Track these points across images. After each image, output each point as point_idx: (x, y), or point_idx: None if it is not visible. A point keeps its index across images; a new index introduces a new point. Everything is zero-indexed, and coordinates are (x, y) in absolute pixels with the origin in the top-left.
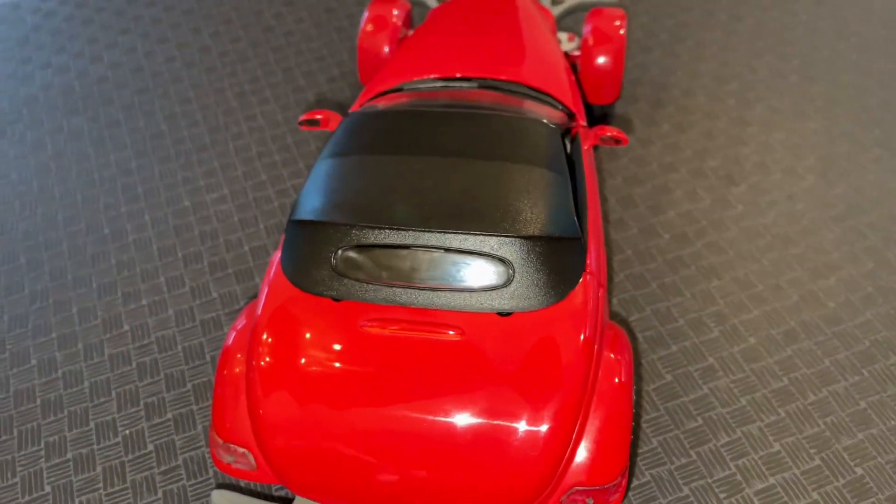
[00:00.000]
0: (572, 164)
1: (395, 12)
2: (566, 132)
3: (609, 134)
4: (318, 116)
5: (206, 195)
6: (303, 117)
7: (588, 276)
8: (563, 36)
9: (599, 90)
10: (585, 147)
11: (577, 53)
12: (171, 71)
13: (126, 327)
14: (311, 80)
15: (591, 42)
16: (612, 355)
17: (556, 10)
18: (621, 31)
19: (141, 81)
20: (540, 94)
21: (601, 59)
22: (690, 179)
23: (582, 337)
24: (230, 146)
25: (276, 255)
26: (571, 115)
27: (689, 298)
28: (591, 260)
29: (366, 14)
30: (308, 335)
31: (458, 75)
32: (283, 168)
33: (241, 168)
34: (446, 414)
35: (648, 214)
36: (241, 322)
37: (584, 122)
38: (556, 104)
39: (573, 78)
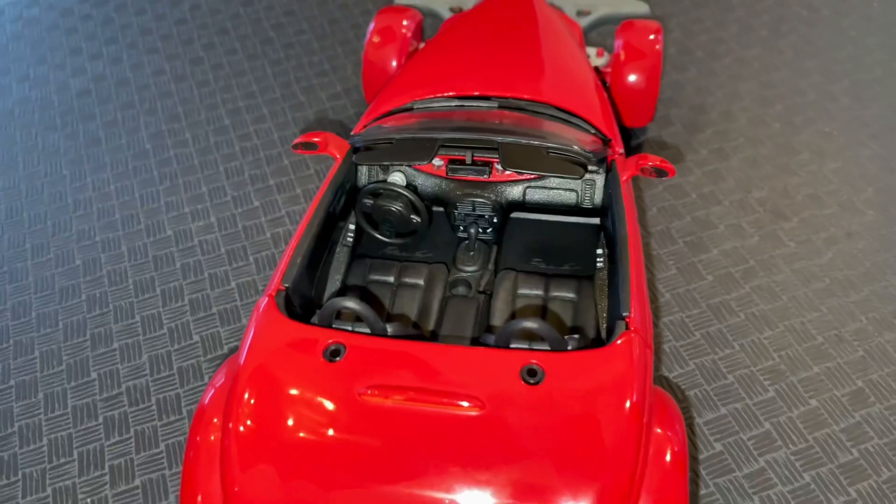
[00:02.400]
0: (609, 198)
1: (405, 23)
2: (601, 161)
3: (651, 163)
4: (316, 139)
5: (191, 223)
6: (298, 140)
7: (632, 334)
8: (591, 51)
9: (632, 111)
10: (624, 178)
11: (607, 70)
12: (160, 85)
13: (93, 375)
14: (312, 96)
15: (623, 57)
16: (659, 430)
17: (584, 22)
18: (657, 46)
19: (126, 96)
20: (570, 117)
21: (634, 77)
22: (735, 212)
23: (627, 407)
24: (220, 169)
25: (263, 300)
26: (606, 141)
27: (739, 351)
28: (634, 314)
29: (372, 25)
30: (297, 398)
31: (476, 93)
32: (278, 194)
33: (232, 193)
34: (461, 501)
35: (688, 252)
36: (219, 378)
37: (620, 150)
38: (589, 128)
39: (606, 97)
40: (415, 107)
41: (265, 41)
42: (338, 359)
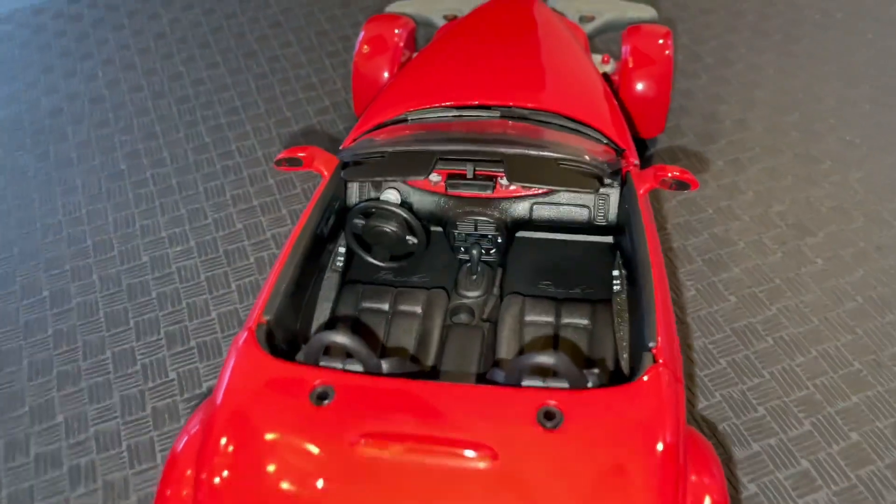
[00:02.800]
0: (626, 214)
1: (397, 31)
2: (615, 174)
3: (671, 175)
4: (301, 154)
5: (169, 248)
6: (280, 155)
7: (660, 368)
8: (596, 58)
9: (641, 121)
10: (641, 192)
11: (614, 78)
12: (137, 102)
13: (59, 418)
14: (299, 111)
15: (631, 64)
16: (695, 476)
17: (588, 28)
18: (667, 52)
19: (101, 114)
20: (579, 126)
21: (644, 85)
22: (755, 227)
23: (660, 452)
24: (200, 189)
25: (242, 335)
26: (620, 152)
27: (769, 380)
28: (661, 344)
29: (362, 33)
30: (279, 448)
31: (476, 103)
32: (263, 215)
33: (212, 215)
34: None
35: (708, 272)
36: (194, 423)
37: (636, 161)
38: (600, 137)
39: (616, 105)
40: (409, 118)
41: (249, 54)
42: (326, 402)
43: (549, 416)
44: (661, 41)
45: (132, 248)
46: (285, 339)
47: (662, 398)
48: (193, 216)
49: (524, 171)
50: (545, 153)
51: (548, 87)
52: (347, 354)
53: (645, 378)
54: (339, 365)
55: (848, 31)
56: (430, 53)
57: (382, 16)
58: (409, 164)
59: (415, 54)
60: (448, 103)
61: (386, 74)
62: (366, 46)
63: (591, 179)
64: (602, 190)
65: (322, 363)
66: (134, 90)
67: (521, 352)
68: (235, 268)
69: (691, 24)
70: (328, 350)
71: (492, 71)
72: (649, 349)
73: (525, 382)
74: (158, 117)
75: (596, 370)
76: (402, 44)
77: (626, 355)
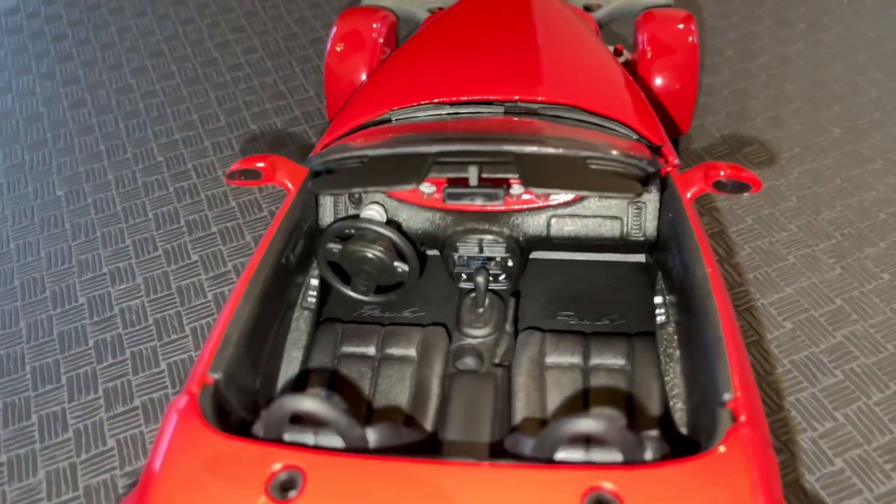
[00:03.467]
0: (671, 226)
1: (376, 26)
2: (652, 177)
3: (726, 174)
4: (259, 164)
5: (111, 286)
6: (234, 166)
7: (744, 429)
8: None
9: (663, 121)
10: (688, 196)
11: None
12: (79, 119)
13: None
14: (265, 123)
15: (649, 54)
16: None
17: (596, 16)
18: (690, 38)
19: (36, 134)
20: (602, 120)
21: (665, 78)
22: (805, 239)
23: None
24: (150, 215)
25: (180, 401)
26: (656, 150)
27: (843, 424)
28: (741, 396)
29: (335, 30)
30: None
31: (475, 98)
32: (223, 244)
33: (163, 245)
34: None
35: (755, 293)
36: None
37: (676, 160)
38: (629, 133)
39: (643, 96)
40: (393, 118)
41: (207, 62)
42: (292, 494)
43: None
44: (681, 26)
45: (67, 288)
46: (241, 404)
47: (752, 472)
48: (141, 247)
49: (543, 173)
50: (569, 150)
51: (559, 76)
52: (322, 422)
53: (722, 447)
54: (310, 439)
55: (880, 17)
56: (415, 45)
57: (358, 9)
58: (395, 171)
59: None
60: (440, 100)
61: (363, 76)
62: (340, 44)
63: (629, 181)
64: (636, 198)
65: (287, 436)
66: (76, 106)
67: (543, 405)
68: (190, 308)
69: (706, 14)
70: (297, 417)
71: (491, 61)
72: (724, 404)
73: (561, 455)
74: (104, 136)
75: (654, 432)
76: (381, 40)
77: (679, 404)
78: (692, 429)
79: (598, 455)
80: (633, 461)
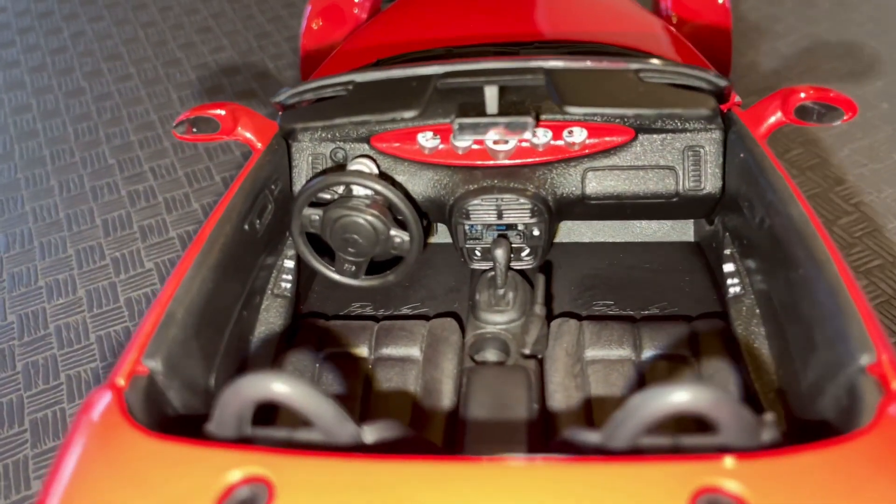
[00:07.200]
0: (743, 172)
1: (357, 0)
2: (714, 114)
3: (809, 98)
4: (217, 111)
5: (47, 301)
6: (183, 115)
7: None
8: None
9: None
10: (761, 132)
11: None
12: (21, 125)
13: None
14: None
15: (675, 20)
16: None
17: None
18: (720, 0)
19: None
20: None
21: (695, 47)
22: (876, 219)
23: None
24: (97, 222)
25: (100, 397)
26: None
27: None
28: (884, 359)
29: (308, 7)
30: None
31: (506, 41)
32: (182, 249)
33: (112, 254)
34: None
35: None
36: None
37: (737, 99)
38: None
39: (687, 42)
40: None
41: (170, 62)
42: None
43: None
44: None
45: None
46: (188, 404)
47: None
48: (85, 257)
49: (584, 91)
50: (615, 63)
51: (600, 15)
52: (301, 420)
53: (875, 427)
54: (281, 436)
55: None
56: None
57: None
58: (390, 98)
59: None
60: (438, 48)
61: None
62: (316, 21)
63: (699, 94)
64: (693, 140)
65: (251, 433)
66: (19, 111)
67: (586, 407)
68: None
69: None
70: (272, 417)
71: (504, 6)
72: (863, 369)
73: (647, 443)
74: (48, 140)
75: (769, 415)
76: (364, 15)
77: (771, 394)
78: (808, 410)
79: (696, 441)
80: (746, 447)
